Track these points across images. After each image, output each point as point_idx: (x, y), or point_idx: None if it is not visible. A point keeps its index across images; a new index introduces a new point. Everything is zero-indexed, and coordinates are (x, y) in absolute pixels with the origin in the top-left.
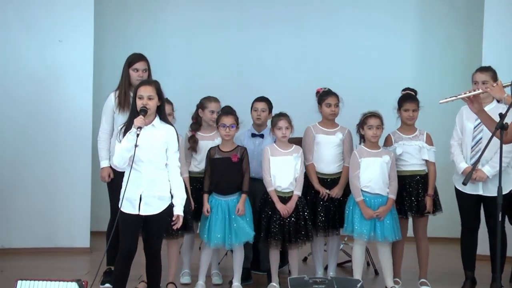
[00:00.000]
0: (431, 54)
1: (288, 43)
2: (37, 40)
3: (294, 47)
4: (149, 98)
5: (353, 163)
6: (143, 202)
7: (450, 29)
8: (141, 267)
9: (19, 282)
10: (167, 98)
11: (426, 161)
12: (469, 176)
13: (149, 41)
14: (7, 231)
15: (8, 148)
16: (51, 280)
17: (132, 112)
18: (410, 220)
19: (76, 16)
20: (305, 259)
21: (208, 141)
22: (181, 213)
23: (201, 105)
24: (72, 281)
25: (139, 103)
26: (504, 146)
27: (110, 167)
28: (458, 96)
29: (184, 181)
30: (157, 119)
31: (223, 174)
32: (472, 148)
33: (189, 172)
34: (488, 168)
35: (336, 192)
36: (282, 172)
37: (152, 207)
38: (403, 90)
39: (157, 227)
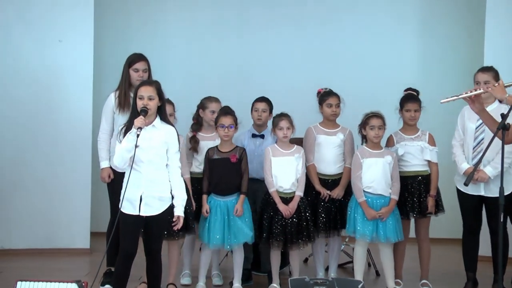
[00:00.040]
0: (432, 54)
1: (288, 43)
2: (37, 40)
3: (294, 47)
4: (150, 99)
5: (355, 163)
6: (144, 203)
7: (451, 28)
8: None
9: (18, 283)
10: (168, 99)
11: (428, 161)
12: (470, 177)
13: (149, 41)
14: (7, 231)
15: (8, 148)
16: (51, 281)
17: (133, 112)
18: (412, 220)
19: (76, 16)
20: (306, 260)
21: (209, 141)
22: (182, 214)
23: (202, 106)
24: (72, 282)
25: (140, 104)
26: (506, 146)
27: (110, 167)
28: (459, 96)
29: (185, 182)
30: (157, 119)
31: (222, 175)
32: (473, 148)
33: (190, 173)
34: (490, 169)
35: (337, 193)
36: (284, 173)
37: (152, 208)
38: (405, 90)
39: (158, 228)
